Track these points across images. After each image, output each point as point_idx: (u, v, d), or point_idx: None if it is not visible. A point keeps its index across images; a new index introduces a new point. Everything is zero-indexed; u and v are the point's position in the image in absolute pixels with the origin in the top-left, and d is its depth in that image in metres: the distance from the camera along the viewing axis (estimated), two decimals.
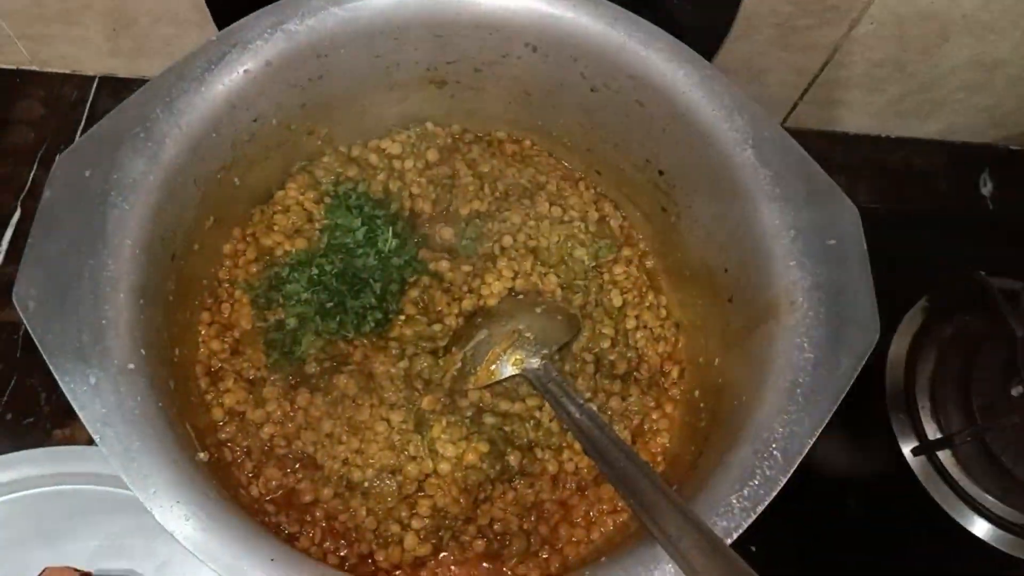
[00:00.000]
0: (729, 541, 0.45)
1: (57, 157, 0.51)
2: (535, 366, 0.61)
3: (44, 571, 0.61)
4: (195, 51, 0.55)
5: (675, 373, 0.64)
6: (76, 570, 0.62)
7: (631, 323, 0.65)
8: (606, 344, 0.64)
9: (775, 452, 0.47)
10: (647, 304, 0.66)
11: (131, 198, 0.51)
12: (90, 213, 0.50)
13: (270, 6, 0.56)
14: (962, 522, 0.66)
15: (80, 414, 0.46)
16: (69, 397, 0.46)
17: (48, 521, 0.65)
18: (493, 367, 0.61)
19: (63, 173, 0.51)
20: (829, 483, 0.71)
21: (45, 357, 0.47)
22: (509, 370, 0.61)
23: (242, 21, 0.56)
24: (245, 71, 0.56)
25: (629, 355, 0.64)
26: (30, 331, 0.47)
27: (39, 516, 0.65)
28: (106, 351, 0.47)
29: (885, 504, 0.70)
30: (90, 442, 0.69)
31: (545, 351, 0.61)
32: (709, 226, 0.61)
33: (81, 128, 0.82)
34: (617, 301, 0.65)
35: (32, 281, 0.48)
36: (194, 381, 0.58)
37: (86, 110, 0.83)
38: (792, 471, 0.47)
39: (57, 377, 0.46)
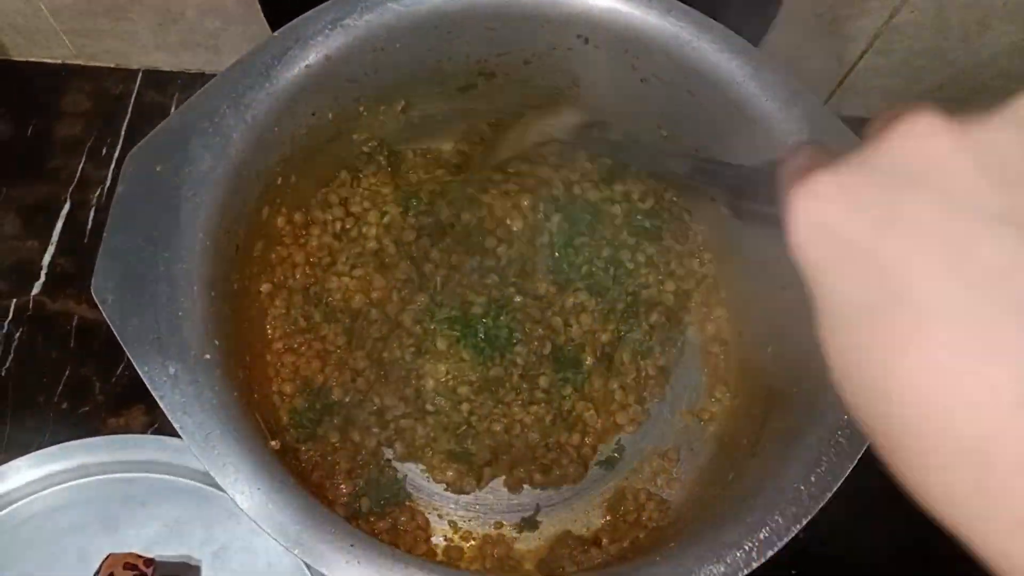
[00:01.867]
0: (799, 527, 0.46)
1: (129, 153, 0.52)
2: None
3: (108, 557, 0.62)
4: (258, 47, 0.56)
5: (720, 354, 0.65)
6: (139, 556, 0.63)
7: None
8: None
9: (841, 439, 0.48)
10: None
11: (201, 191, 0.52)
12: (163, 207, 0.51)
13: (329, 2, 0.57)
14: None
15: (161, 403, 0.47)
16: (149, 387, 0.47)
17: (107, 508, 0.66)
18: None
19: (135, 168, 0.52)
20: (869, 476, 0.72)
21: (125, 348, 0.48)
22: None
23: (303, 17, 0.57)
24: (306, 66, 0.56)
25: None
26: (109, 323, 0.48)
27: (98, 503, 0.66)
28: (183, 342, 0.48)
29: None
30: (146, 430, 0.71)
31: None
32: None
33: (127, 120, 0.82)
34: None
35: (109, 275, 0.49)
36: (260, 371, 0.60)
37: (131, 103, 0.83)
38: (859, 457, 0.48)
39: (137, 368, 0.48)
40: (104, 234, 0.50)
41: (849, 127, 0.58)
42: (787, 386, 0.56)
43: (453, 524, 0.63)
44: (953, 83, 0.84)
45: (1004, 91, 0.79)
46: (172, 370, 0.47)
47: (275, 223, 0.62)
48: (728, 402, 0.64)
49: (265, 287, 0.63)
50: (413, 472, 0.63)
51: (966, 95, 0.86)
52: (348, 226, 0.66)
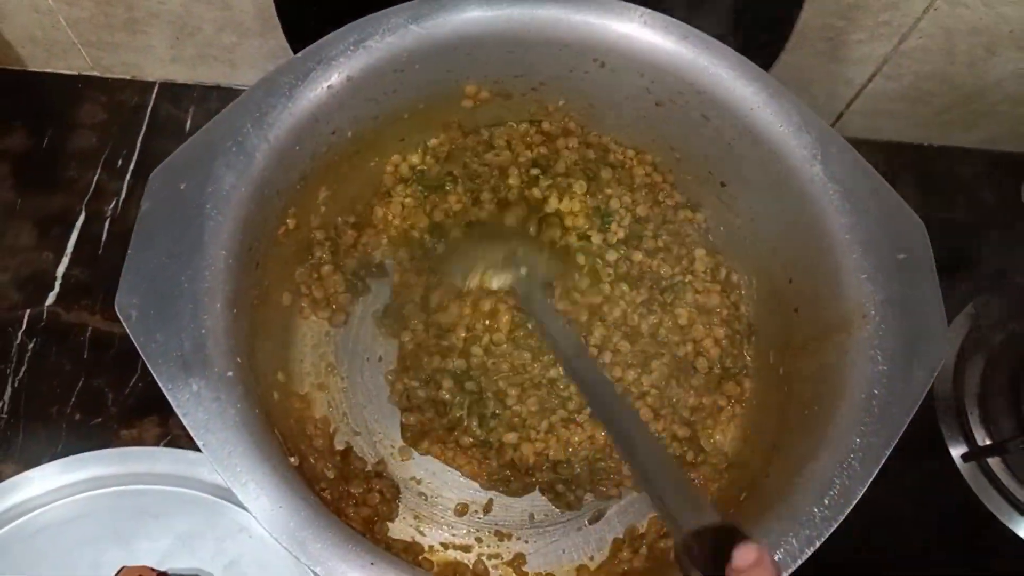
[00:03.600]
0: (812, 549, 0.47)
1: (154, 170, 0.53)
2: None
3: (121, 570, 0.63)
4: (281, 67, 0.56)
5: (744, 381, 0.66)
6: (152, 569, 0.63)
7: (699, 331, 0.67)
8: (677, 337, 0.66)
9: (854, 463, 0.49)
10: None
11: (224, 210, 0.53)
12: (187, 225, 0.52)
13: (352, 24, 0.58)
14: (1012, 527, 0.68)
15: (183, 420, 0.48)
16: (172, 404, 0.48)
17: (120, 520, 0.67)
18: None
19: (159, 185, 0.52)
20: (879, 488, 0.73)
21: (148, 365, 0.48)
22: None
23: (326, 38, 0.57)
24: (328, 86, 0.57)
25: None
26: (133, 340, 0.49)
27: (111, 515, 0.67)
28: (206, 360, 0.49)
29: (936, 509, 0.72)
30: (158, 442, 0.72)
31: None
32: (772, 238, 0.62)
33: (143, 133, 0.83)
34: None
35: (134, 291, 0.50)
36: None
37: (147, 115, 0.84)
38: (870, 481, 0.49)
39: (160, 384, 0.48)
40: (128, 251, 0.51)
41: (858, 149, 0.59)
42: (800, 407, 0.56)
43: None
44: (959, 107, 0.85)
45: (1010, 115, 0.80)
46: (195, 387, 0.48)
47: (297, 240, 0.63)
48: (740, 421, 0.64)
49: (287, 302, 0.63)
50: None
51: (972, 118, 0.87)
52: (370, 247, 0.67)
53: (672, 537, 0.52)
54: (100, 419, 0.73)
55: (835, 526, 0.48)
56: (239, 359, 0.51)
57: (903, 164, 0.90)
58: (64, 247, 0.78)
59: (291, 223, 0.61)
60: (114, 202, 0.80)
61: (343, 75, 0.57)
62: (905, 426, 0.50)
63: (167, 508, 0.67)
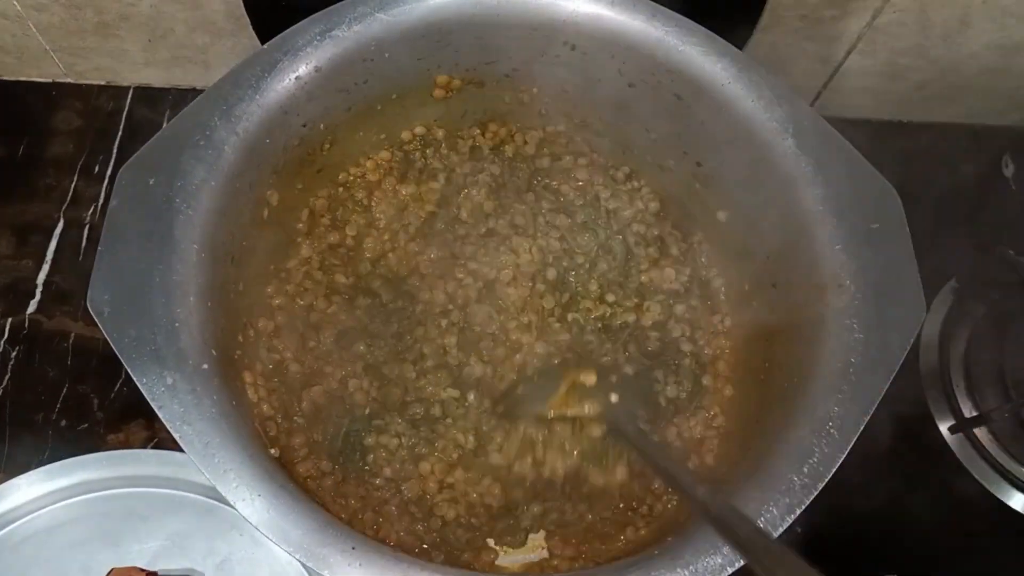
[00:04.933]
0: (792, 517, 0.47)
1: (122, 166, 0.53)
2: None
3: (110, 572, 0.63)
4: (248, 59, 0.56)
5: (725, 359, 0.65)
6: (142, 570, 0.63)
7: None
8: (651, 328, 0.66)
9: (832, 430, 0.49)
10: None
11: (194, 203, 0.53)
12: (156, 219, 0.52)
13: (318, 13, 0.58)
14: (1001, 497, 0.68)
15: (159, 413, 0.47)
16: (148, 398, 0.48)
17: (109, 523, 0.67)
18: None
19: (128, 182, 0.52)
20: (867, 462, 0.73)
21: (122, 360, 0.48)
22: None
23: (292, 29, 0.57)
24: (296, 77, 0.57)
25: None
26: (106, 336, 0.48)
27: (100, 519, 0.67)
28: (181, 353, 0.49)
29: (923, 481, 0.72)
30: (145, 445, 0.72)
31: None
32: (749, 215, 0.62)
33: (119, 138, 0.83)
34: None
35: (105, 288, 0.49)
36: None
37: (123, 120, 0.84)
38: (850, 447, 0.49)
39: (135, 379, 0.48)
40: (99, 247, 0.50)
41: (838, 127, 0.58)
42: (780, 379, 0.56)
43: None
44: (936, 81, 0.85)
45: (988, 88, 0.80)
46: (170, 380, 0.48)
47: (270, 232, 0.62)
48: (726, 394, 0.64)
49: (263, 295, 0.63)
50: None
51: (951, 93, 0.87)
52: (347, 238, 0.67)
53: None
54: (86, 424, 0.73)
55: (815, 494, 0.47)
56: (215, 352, 0.51)
57: (884, 141, 0.89)
58: (44, 255, 0.78)
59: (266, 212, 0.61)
60: (92, 208, 0.80)
61: (311, 65, 0.57)
62: (883, 393, 0.50)
63: (156, 510, 0.67)
